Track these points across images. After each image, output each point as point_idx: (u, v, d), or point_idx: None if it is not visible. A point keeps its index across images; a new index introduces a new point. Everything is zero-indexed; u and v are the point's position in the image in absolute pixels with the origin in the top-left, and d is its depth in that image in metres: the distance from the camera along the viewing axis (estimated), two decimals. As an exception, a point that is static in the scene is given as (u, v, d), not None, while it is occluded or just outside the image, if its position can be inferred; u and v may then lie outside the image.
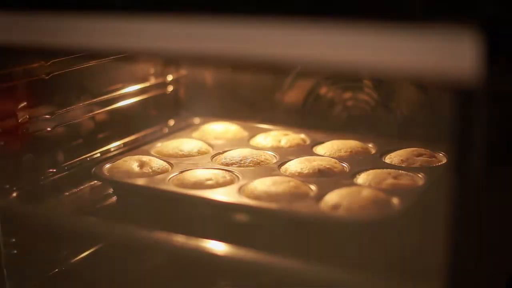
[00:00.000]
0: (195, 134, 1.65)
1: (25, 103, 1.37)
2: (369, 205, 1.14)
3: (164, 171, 1.37)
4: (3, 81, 1.33)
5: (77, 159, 1.51)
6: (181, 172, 1.35)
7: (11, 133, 1.36)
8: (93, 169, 1.39)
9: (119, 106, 1.62)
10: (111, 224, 1.31)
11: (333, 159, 1.38)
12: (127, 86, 1.65)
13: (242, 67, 1.62)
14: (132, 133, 1.66)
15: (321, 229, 1.14)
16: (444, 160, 1.37)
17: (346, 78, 1.61)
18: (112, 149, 1.58)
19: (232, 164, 1.39)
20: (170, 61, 1.72)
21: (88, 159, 1.53)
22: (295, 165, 1.35)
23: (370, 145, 1.48)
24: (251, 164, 1.39)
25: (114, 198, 1.39)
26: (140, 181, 1.32)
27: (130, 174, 1.35)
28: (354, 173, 1.32)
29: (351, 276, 1.03)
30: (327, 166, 1.33)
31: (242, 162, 1.40)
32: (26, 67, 1.37)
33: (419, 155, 1.38)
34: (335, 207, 1.15)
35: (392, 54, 0.80)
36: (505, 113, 0.88)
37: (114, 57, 1.44)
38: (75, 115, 1.51)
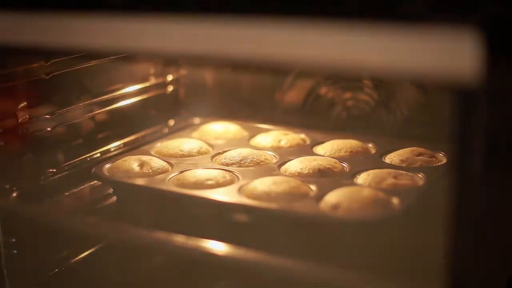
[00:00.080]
0: (195, 134, 1.65)
1: (25, 103, 1.37)
2: (369, 205, 1.14)
3: (164, 171, 1.37)
4: (3, 81, 1.33)
5: (77, 159, 1.51)
6: (181, 172, 1.35)
7: (11, 133, 1.36)
8: (93, 169, 1.39)
9: (119, 106, 1.62)
10: (111, 224, 1.31)
11: (333, 159, 1.38)
12: (127, 86, 1.65)
13: (242, 67, 1.62)
14: (132, 133, 1.66)
15: (321, 229, 1.14)
16: (444, 160, 1.37)
17: (346, 78, 1.61)
18: (112, 149, 1.58)
19: (232, 164, 1.39)
20: (170, 61, 1.72)
21: (88, 159, 1.53)
22: (295, 165, 1.35)
23: (370, 145, 1.48)
24: (251, 164, 1.39)
25: (114, 198, 1.39)
26: (140, 181, 1.32)
27: (130, 174, 1.35)
28: (354, 173, 1.32)
29: (351, 276, 1.03)
30: (327, 166, 1.33)
31: (242, 162, 1.40)
32: (26, 67, 1.37)
33: (419, 155, 1.38)
34: (335, 207, 1.15)
35: (392, 54, 0.80)
36: (505, 113, 0.88)
37: (114, 57, 1.44)
38: (75, 115, 1.51)
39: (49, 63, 1.39)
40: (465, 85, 0.76)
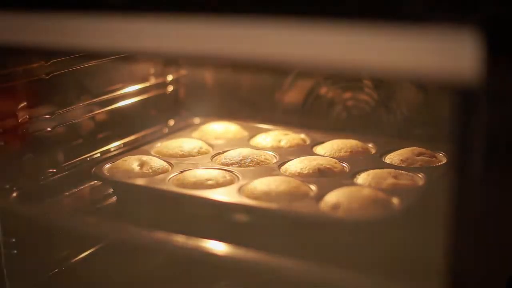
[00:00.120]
0: (195, 134, 1.65)
1: (25, 103, 1.37)
2: (369, 205, 1.14)
3: (164, 171, 1.37)
4: (3, 81, 1.33)
5: (77, 159, 1.51)
6: (181, 172, 1.35)
7: (11, 133, 1.36)
8: (93, 169, 1.40)
9: (119, 106, 1.62)
10: (111, 224, 1.31)
11: (333, 159, 1.38)
12: (127, 86, 1.65)
13: (242, 67, 1.62)
14: (132, 133, 1.66)
15: (321, 229, 1.14)
16: (444, 160, 1.37)
17: (346, 78, 1.61)
18: (112, 149, 1.58)
19: (232, 164, 1.39)
20: (170, 61, 1.72)
21: (88, 159, 1.53)
22: (295, 165, 1.35)
23: (370, 145, 1.48)
24: (251, 164, 1.39)
25: (114, 198, 1.39)
26: (140, 181, 1.32)
27: (130, 174, 1.35)
28: (354, 173, 1.32)
29: (351, 276, 1.03)
30: (327, 166, 1.33)
31: (242, 162, 1.40)
32: (26, 67, 1.37)
33: (419, 155, 1.38)
34: (335, 207, 1.15)
35: (392, 54, 0.80)
36: (505, 113, 0.88)
37: (114, 57, 1.44)
38: (75, 115, 1.51)
39: (49, 63, 1.39)
40: (465, 85, 0.76)
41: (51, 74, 1.40)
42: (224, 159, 1.42)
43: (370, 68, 0.89)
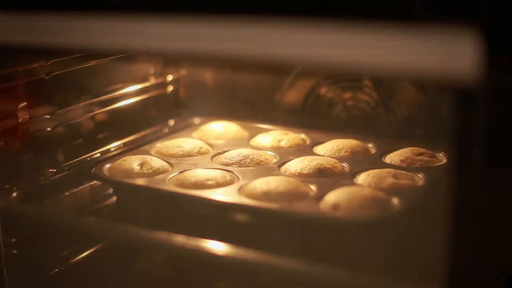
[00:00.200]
0: (195, 134, 1.65)
1: (25, 103, 1.37)
2: (369, 205, 1.14)
3: (164, 171, 1.37)
4: (3, 81, 1.33)
5: (77, 159, 1.51)
6: (181, 172, 1.35)
7: (11, 133, 1.36)
8: (93, 169, 1.40)
9: (119, 106, 1.62)
10: (111, 224, 1.31)
11: (333, 159, 1.38)
12: (127, 86, 1.65)
13: (242, 67, 1.62)
14: (132, 133, 1.66)
15: (321, 229, 1.14)
16: (444, 160, 1.37)
17: (346, 78, 1.61)
18: (112, 149, 1.58)
19: (232, 164, 1.39)
20: (170, 61, 1.72)
21: (88, 159, 1.53)
22: (295, 165, 1.35)
23: (370, 145, 1.48)
24: (251, 164, 1.39)
25: (114, 198, 1.39)
26: (140, 181, 1.32)
27: (130, 174, 1.35)
28: (354, 173, 1.32)
29: (351, 276, 1.03)
30: (327, 166, 1.33)
31: (242, 162, 1.40)
32: (26, 67, 1.37)
33: (419, 155, 1.38)
34: (335, 207, 1.15)
35: (392, 54, 0.80)
36: (505, 113, 0.88)
37: (114, 57, 1.44)
38: (75, 115, 1.51)
39: (49, 63, 1.39)
40: (465, 85, 0.76)
41: (51, 74, 1.40)
42: (224, 159, 1.42)
43: (370, 68, 0.89)
